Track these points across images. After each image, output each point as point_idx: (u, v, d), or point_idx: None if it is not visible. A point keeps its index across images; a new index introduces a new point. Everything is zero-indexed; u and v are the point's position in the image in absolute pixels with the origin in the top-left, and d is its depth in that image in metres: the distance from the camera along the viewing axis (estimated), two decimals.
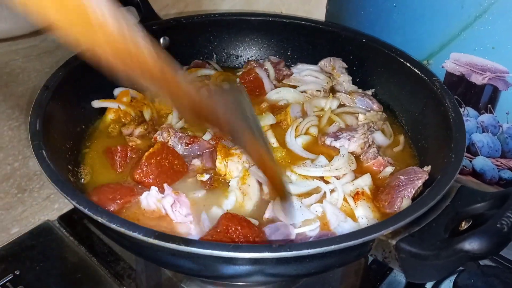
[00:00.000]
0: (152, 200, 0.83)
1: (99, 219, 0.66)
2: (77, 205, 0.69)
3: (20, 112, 1.37)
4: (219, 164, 0.93)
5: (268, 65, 1.23)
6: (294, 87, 1.20)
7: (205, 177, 0.92)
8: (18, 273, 0.95)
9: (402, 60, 1.08)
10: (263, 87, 1.19)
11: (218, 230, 0.75)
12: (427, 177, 0.85)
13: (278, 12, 1.36)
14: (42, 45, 1.76)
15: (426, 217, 0.71)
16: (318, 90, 1.18)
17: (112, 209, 0.82)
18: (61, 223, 1.08)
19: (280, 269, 0.72)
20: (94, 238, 1.04)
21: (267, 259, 0.65)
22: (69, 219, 1.08)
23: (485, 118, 1.09)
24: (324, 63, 1.24)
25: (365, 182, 0.91)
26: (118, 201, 0.83)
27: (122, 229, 0.65)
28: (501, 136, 1.08)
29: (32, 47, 1.75)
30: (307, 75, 1.21)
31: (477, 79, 1.06)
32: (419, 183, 0.84)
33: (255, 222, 0.82)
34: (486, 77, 1.05)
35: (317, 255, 0.65)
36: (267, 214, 0.85)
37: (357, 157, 0.99)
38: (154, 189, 0.85)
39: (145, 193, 0.85)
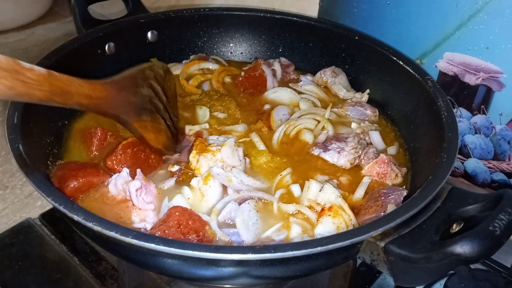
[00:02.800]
0: (120, 181, 0.84)
1: (75, 217, 0.63)
2: (52, 202, 0.66)
3: (5, 107, 1.34)
4: (192, 158, 0.92)
5: (276, 65, 1.22)
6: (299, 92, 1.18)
7: (175, 168, 0.92)
8: None
9: (394, 58, 1.06)
10: (265, 85, 1.17)
11: (170, 225, 0.74)
12: (406, 193, 0.84)
13: (271, 8, 1.34)
14: (29, 38, 1.74)
15: (417, 218, 0.69)
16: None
17: (72, 185, 0.82)
18: (43, 221, 1.05)
19: (265, 271, 0.70)
20: (76, 237, 1.01)
21: (251, 260, 0.63)
22: (51, 217, 1.06)
23: (478, 119, 1.08)
24: (317, 78, 1.21)
25: (332, 195, 0.85)
26: (80, 179, 0.83)
27: (99, 228, 0.62)
28: (493, 138, 1.07)
29: (20, 41, 1.73)
30: (308, 90, 1.18)
31: (471, 79, 1.05)
32: (404, 193, 0.84)
33: (207, 218, 0.81)
34: (479, 77, 1.03)
35: (302, 257, 0.63)
36: (222, 216, 0.83)
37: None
38: (125, 170, 0.85)
39: (116, 175, 0.85)
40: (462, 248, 0.59)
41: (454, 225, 0.72)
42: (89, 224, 0.62)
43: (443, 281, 0.93)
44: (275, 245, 0.63)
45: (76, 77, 0.71)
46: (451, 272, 0.89)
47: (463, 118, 1.10)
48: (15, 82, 0.59)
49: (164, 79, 0.99)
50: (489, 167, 1.10)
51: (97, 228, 0.62)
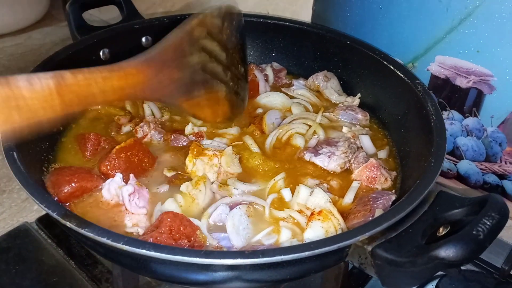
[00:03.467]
0: (113, 186, 0.84)
1: (67, 224, 0.64)
2: (46, 208, 0.67)
3: None
4: (188, 161, 0.92)
5: (268, 70, 1.23)
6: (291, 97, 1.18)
7: (171, 173, 0.92)
8: None
9: (385, 63, 1.07)
10: (257, 90, 1.18)
11: (161, 231, 0.74)
12: (395, 197, 0.85)
13: (264, 13, 1.35)
14: (26, 43, 1.75)
15: (404, 222, 0.70)
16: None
17: (65, 190, 0.83)
18: (39, 225, 1.06)
19: (256, 275, 0.71)
20: (72, 241, 1.02)
21: (241, 265, 0.64)
22: (48, 221, 1.07)
23: (470, 121, 1.09)
24: (309, 82, 1.22)
25: (322, 200, 0.85)
26: (73, 184, 0.83)
27: (91, 235, 0.63)
28: (485, 140, 1.08)
29: (17, 45, 1.74)
30: (300, 94, 1.19)
31: (462, 83, 1.06)
32: (393, 197, 0.84)
33: (198, 223, 0.81)
34: (470, 80, 1.04)
35: (292, 261, 0.64)
36: (213, 219, 0.84)
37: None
38: (118, 175, 0.86)
39: (109, 180, 0.86)
40: (445, 252, 0.60)
41: (441, 229, 0.72)
42: (82, 231, 0.64)
43: (434, 282, 0.94)
44: (264, 250, 0.64)
45: (99, 67, 0.55)
46: (443, 273, 0.91)
47: (455, 121, 1.10)
48: (8, 112, 0.37)
49: (222, 28, 0.77)
50: (481, 169, 1.10)
51: (89, 234, 0.63)
